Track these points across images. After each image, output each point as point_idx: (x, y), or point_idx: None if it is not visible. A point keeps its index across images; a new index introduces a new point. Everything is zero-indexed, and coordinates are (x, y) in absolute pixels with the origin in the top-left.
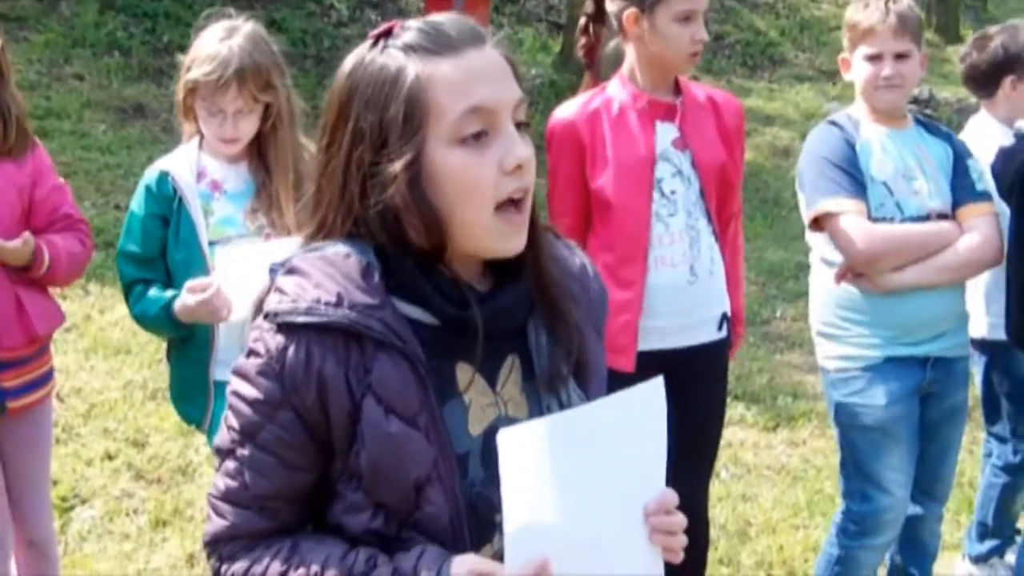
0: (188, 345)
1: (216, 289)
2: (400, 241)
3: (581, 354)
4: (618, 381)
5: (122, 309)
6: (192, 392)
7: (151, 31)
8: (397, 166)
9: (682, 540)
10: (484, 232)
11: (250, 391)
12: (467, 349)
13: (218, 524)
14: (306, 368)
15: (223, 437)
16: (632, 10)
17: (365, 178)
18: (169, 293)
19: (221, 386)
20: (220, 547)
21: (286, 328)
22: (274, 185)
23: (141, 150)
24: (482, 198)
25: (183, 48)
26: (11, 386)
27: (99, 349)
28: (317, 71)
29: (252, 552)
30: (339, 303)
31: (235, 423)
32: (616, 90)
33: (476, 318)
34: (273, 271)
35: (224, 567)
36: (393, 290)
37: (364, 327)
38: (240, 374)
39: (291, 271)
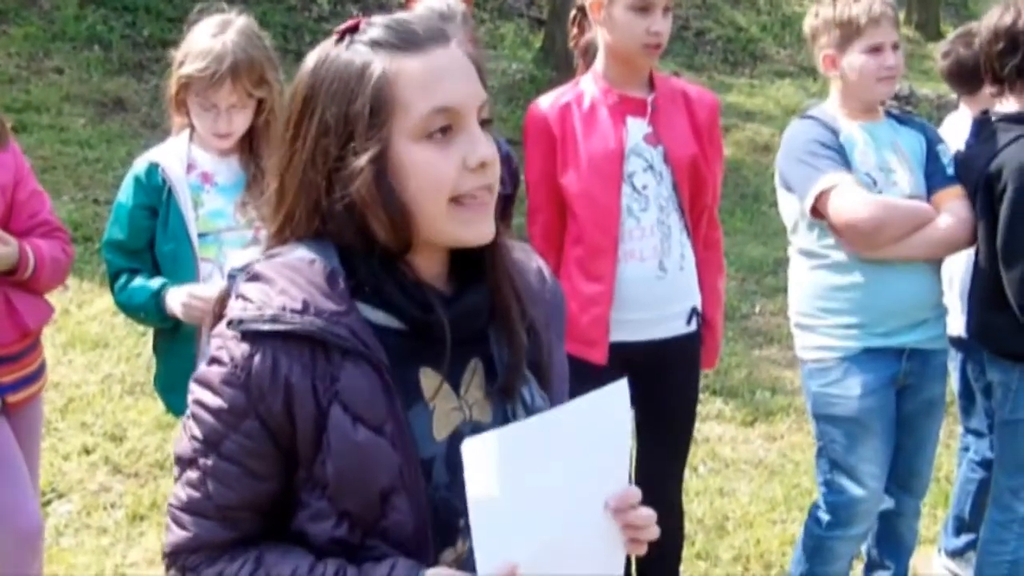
0: (175, 338)
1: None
2: (365, 238)
3: (542, 357)
4: (590, 373)
5: (100, 303)
6: (179, 384)
7: (131, 25)
8: (363, 160)
9: (653, 532)
10: (443, 221)
11: (214, 400)
12: (431, 353)
13: (179, 535)
14: (272, 376)
15: (183, 446)
16: (593, 0)
17: (330, 172)
18: (158, 282)
19: None
20: (181, 558)
21: (251, 336)
22: (266, 179)
23: (121, 144)
24: (439, 192)
25: (164, 42)
26: (7, 382)
27: (77, 343)
28: (298, 66)
29: (215, 564)
30: (305, 310)
31: (197, 432)
32: (588, 84)
33: (442, 321)
34: (232, 277)
35: None
36: (357, 294)
37: (331, 335)
38: (203, 382)
39: (254, 277)
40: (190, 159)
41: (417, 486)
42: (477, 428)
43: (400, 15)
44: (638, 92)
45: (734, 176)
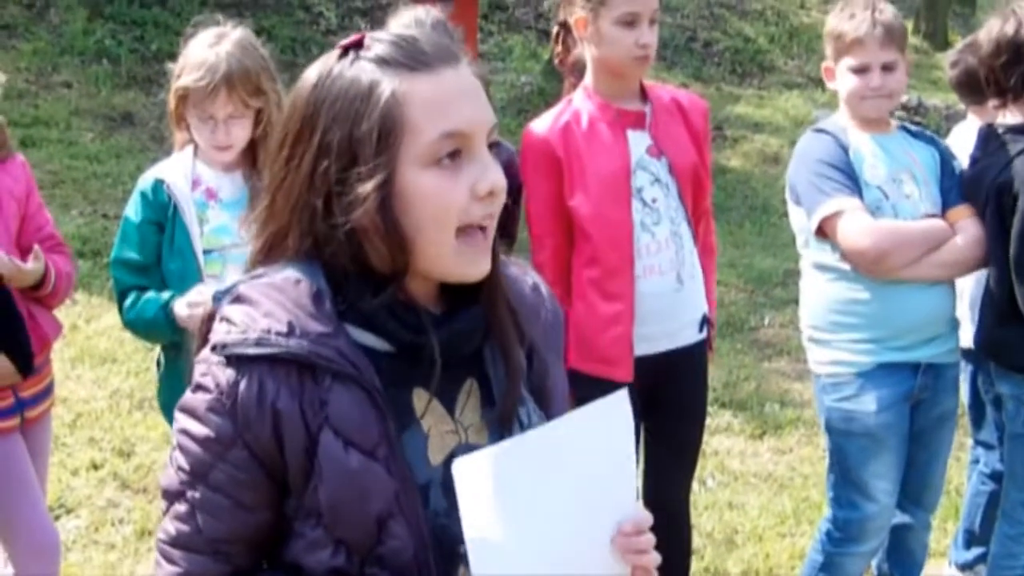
0: (178, 355)
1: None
2: (358, 262)
3: (540, 376)
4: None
5: (109, 319)
6: None
7: (140, 39)
8: (368, 186)
9: (655, 558)
10: (447, 256)
11: (200, 429)
12: (423, 375)
13: (169, 571)
14: (259, 403)
15: (171, 479)
16: (580, 15)
17: (329, 195)
18: (167, 294)
19: None
20: None
21: (236, 360)
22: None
23: (129, 159)
24: (447, 223)
25: (172, 56)
26: (27, 395)
27: (86, 358)
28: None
29: None
30: (291, 332)
31: (184, 463)
32: (582, 101)
33: (432, 343)
34: (217, 299)
35: None
36: (344, 316)
37: (318, 357)
38: (187, 411)
39: (237, 299)
40: (195, 175)
41: (414, 511)
42: (473, 452)
43: (406, 32)
44: (633, 104)
45: (743, 188)
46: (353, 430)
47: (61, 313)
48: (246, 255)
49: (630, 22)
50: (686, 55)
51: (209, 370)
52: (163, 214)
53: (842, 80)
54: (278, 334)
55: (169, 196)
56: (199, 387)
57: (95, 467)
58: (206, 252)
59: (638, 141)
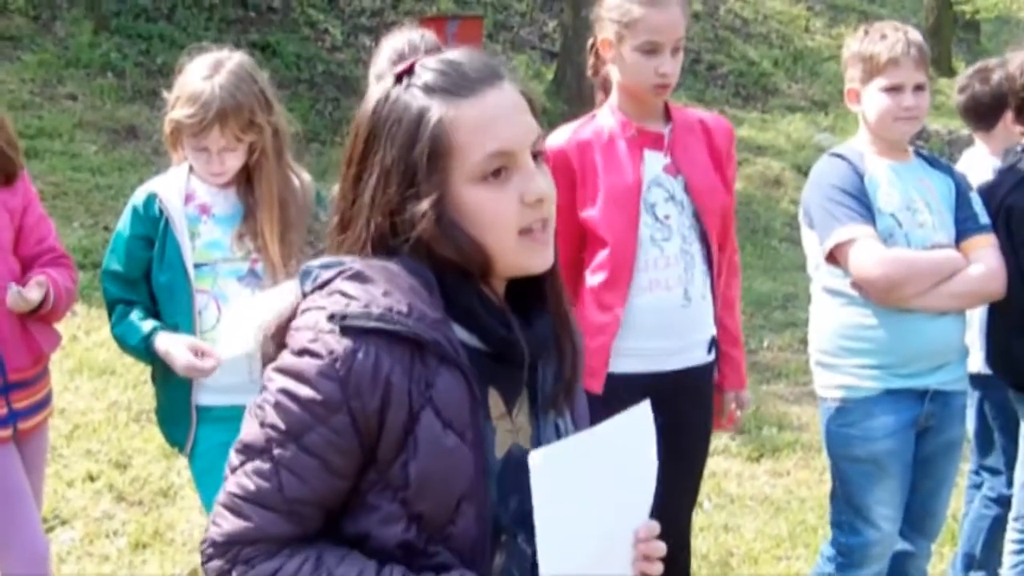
0: (172, 371)
1: (213, 365)
2: (443, 264)
3: (575, 386)
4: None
5: (108, 331)
6: (176, 416)
7: (145, 52)
8: (424, 205)
9: (658, 568)
10: (511, 252)
11: (306, 392)
12: (500, 375)
13: (238, 524)
14: (374, 374)
15: (255, 434)
16: (604, 37)
17: (392, 214)
18: (150, 325)
19: (203, 411)
20: (235, 549)
21: (354, 332)
22: (260, 217)
23: (132, 172)
24: (506, 228)
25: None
26: (21, 407)
27: (84, 370)
28: (310, 95)
29: (273, 559)
30: (410, 313)
31: (279, 421)
32: (606, 117)
33: (521, 343)
34: (308, 274)
35: (238, 570)
36: (446, 311)
37: (433, 340)
38: (292, 373)
39: (356, 276)
40: (189, 190)
41: (485, 496)
42: (523, 452)
43: (451, 55)
44: (655, 125)
45: (744, 210)
46: (452, 413)
47: (60, 324)
48: (236, 270)
49: (651, 51)
50: (690, 77)
51: (320, 337)
52: (154, 229)
53: (871, 101)
54: (399, 313)
55: (161, 210)
56: (307, 352)
57: (91, 479)
58: (197, 266)
59: (655, 160)
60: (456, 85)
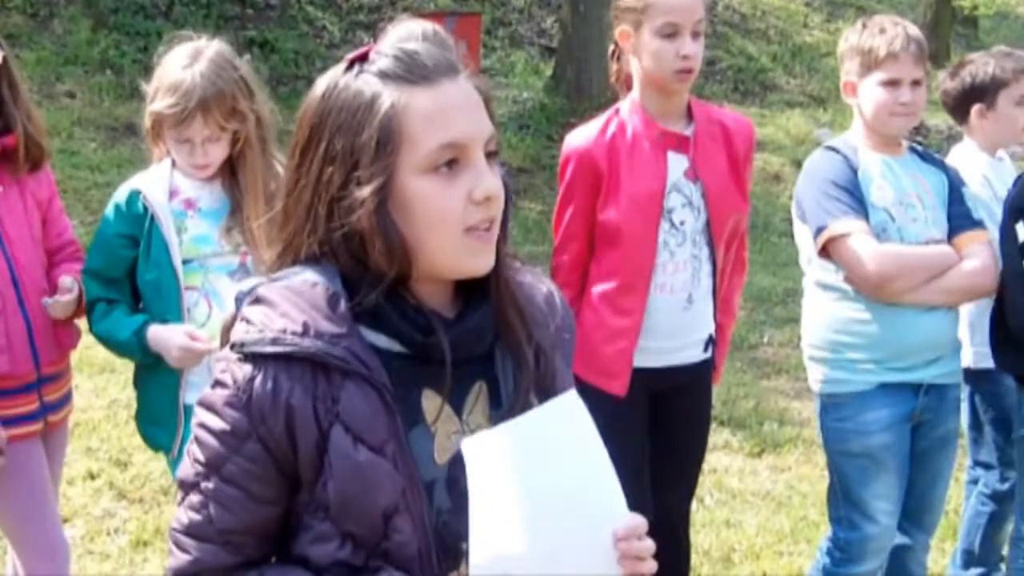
0: (159, 369)
1: (208, 348)
2: (363, 265)
3: (547, 379)
4: (609, 404)
5: None
6: (162, 416)
7: (143, 50)
8: (366, 191)
9: (651, 566)
10: (452, 252)
11: (217, 423)
12: (433, 376)
13: (181, 559)
14: (273, 398)
15: (187, 470)
16: (622, 28)
17: (332, 200)
18: (139, 318)
19: (191, 410)
20: None
21: (252, 358)
22: (247, 209)
23: (131, 169)
24: (450, 226)
25: None
26: (51, 400)
27: (84, 367)
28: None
29: None
30: (305, 332)
31: (200, 455)
32: (628, 114)
33: (443, 344)
34: (239, 300)
35: None
36: (359, 318)
37: (330, 356)
38: (206, 405)
39: (257, 300)
40: (173, 185)
41: (420, 507)
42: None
43: (409, 45)
44: (678, 125)
45: None
46: (363, 427)
47: None
48: (227, 265)
49: (671, 33)
50: None
51: (228, 367)
52: (138, 227)
53: (868, 95)
54: (293, 334)
55: (145, 207)
56: (218, 383)
57: (91, 477)
58: (185, 262)
59: (677, 163)
60: (412, 73)
